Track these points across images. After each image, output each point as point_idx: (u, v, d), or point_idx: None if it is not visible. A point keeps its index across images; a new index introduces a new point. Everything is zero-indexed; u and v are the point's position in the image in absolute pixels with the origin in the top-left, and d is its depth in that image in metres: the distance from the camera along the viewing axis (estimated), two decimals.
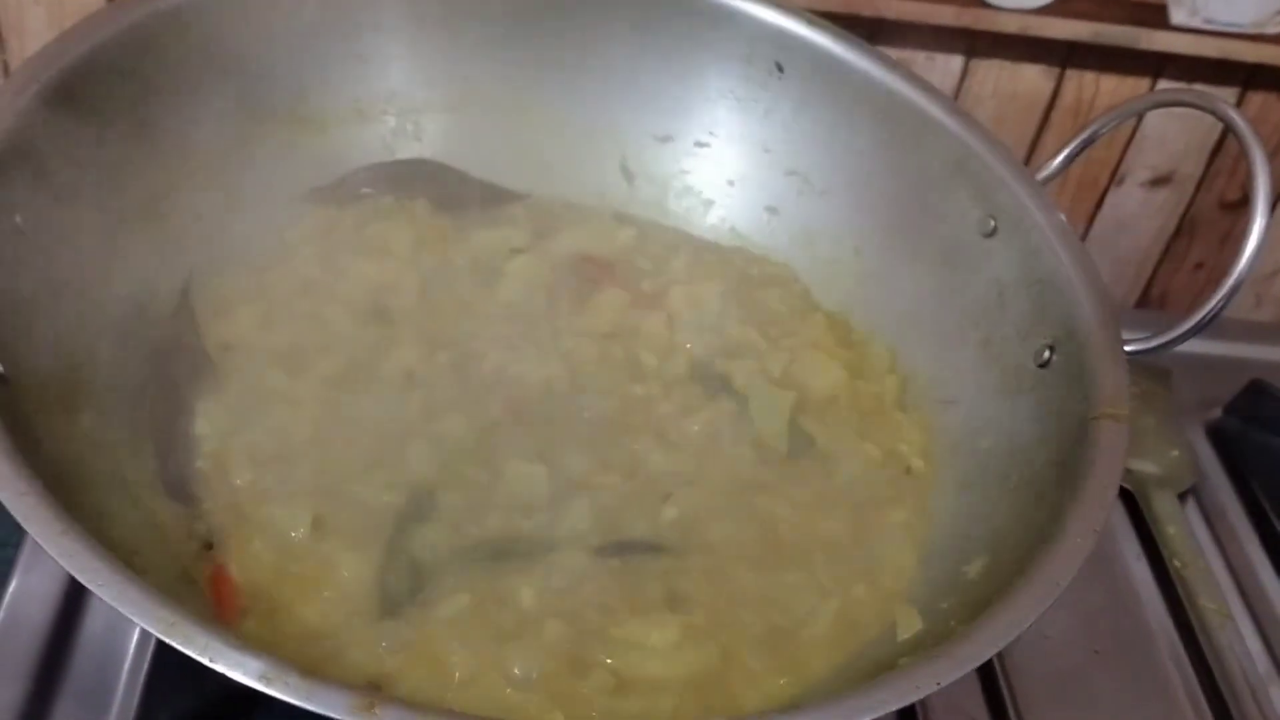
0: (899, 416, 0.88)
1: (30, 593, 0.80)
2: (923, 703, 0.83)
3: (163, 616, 0.53)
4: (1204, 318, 0.77)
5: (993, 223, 0.87)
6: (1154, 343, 0.78)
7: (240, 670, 0.52)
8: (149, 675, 0.76)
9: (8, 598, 0.80)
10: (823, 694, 0.63)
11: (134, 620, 0.53)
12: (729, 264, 0.98)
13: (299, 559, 0.71)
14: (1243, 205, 1.27)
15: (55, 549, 0.54)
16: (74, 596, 0.80)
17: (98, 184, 0.79)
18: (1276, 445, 1.08)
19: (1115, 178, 1.25)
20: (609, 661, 0.69)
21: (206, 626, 0.53)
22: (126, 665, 0.77)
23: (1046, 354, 0.81)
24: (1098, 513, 0.67)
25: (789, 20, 0.94)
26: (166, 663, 0.76)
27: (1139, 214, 1.28)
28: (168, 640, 0.53)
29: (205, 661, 0.52)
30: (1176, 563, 0.97)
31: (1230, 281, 0.76)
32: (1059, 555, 0.65)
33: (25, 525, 0.55)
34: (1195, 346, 0.82)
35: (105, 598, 0.53)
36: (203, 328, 0.83)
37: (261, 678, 0.52)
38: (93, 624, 0.79)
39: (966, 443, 0.84)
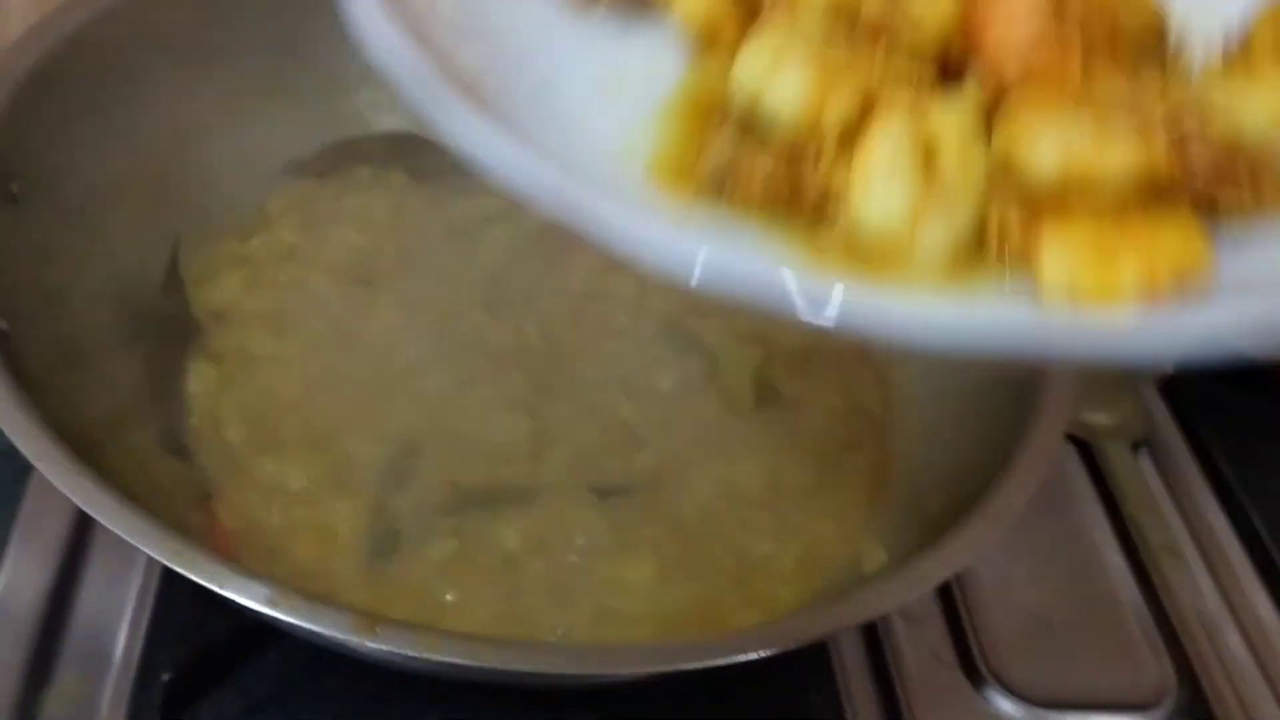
0: (861, 368, 0.91)
1: (28, 559, 0.82)
2: (891, 642, 0.87)
3: (171, 546, 0.56)
4: None
5: None
6: None
7: (247, 594, 0.55)
8: (149, 626, 0.79)
9: (5, 564, 0.82)
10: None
11: (145, 550, 0.56)
12: None
13: (292, 508, 0.75)
14: None
15: (67, 486, 0.58)
16: (71, 561, 0.82)
17: (87, 155, 0.82)
18: (1228, 396, 1.11)
19: None
20: (590, 597, 0.73)
21: (214, 556, 0.56)
22: (126, 618, 0.79)
23: None
24: (1049, 441, 0.71)
25: None
26: (165, 614, 0.79)
27: None
28: (176, 568, 0.56)
29: (214, 587, 0.56)
30: (1129, 508, 1.01)
31: None
32: (1012, 483, 0.69)
33: (36, 464, 0.58)
34: None
35: (120, 531, 0.57)
36: (191, 294, 0.86)
37: (268, 601, 0.55)
38: (91, 588, 0.81)
39: (926, 387, 0.87)
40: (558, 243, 0.97)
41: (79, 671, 0.78)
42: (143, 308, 0.83)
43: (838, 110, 0.42)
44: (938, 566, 0.64)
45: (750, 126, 0.45)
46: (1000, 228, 0.41)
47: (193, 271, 0.88)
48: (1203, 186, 0.38)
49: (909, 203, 0.40)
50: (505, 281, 0.93)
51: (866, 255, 0.42)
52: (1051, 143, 0.39)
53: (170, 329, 0.83)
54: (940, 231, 0.40)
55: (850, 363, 0.92)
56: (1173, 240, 0.38)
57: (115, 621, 0.80)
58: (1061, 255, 0.39)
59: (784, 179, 0.43)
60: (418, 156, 0.99)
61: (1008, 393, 0.79)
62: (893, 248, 0.41)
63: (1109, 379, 1.11)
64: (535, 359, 0.87)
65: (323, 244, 0.91)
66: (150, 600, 0.80)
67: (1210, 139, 0.39)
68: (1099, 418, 1.08)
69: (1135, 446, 1.08)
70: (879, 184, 0.41)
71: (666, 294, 0.94)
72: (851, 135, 0.42)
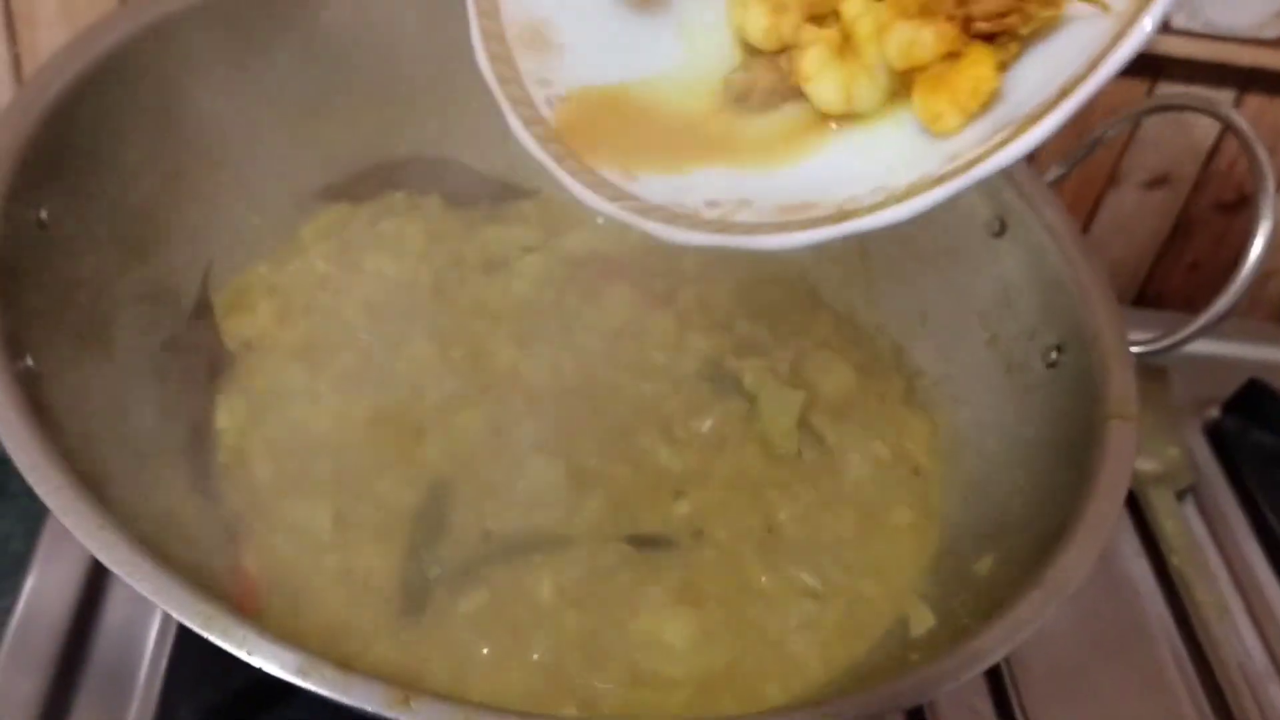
0: (906, 415, 0.89)
1: (49, 586, 0.80)
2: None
3: (201, 610, 0.54)
4: (1210, 319, 0.78)
5: (1001, 223, 0.88)
6: (1161, 344, 0.80)
7: (277, 664, 0.53)
8: (169, 668, 0.77)
9: (26, 591, 0.80)
10: (840, 689, 0.64)
11: (172, 614, 0.54)
12: (737, 262, 0.99)
13: (321, 554, 0.73)
14: (1238, 206, 1.29)
15: (94, 543, 0.55)
16: (94, 589, 0.81)
17: (117, 180, 0.80)
18: (1274, 444, 1.09)
19: (1113, 179, 1.26)
20: (625, 656, 0.70)
21: (243, 620, 0.54)
22: (146, 658, 0.78)
23: (1054, 354, 0.82)
24: (1108, 512, 0.68)
25: None
26: (187, 656, 0.77)
27: (1136, 215, 1.29)
28: (206, 634, 0.54)
29: (243, 655, 0.53)
30: (1175, 559, 0.99)
31: (1236, 284, 0.77)
32: (1071, 554, 0.66)
33: (62, 519, 0.56)
34: (1194, 347, 0.83)
35: (144, 592, 0.54)
36: (221, 323, 0.84)
37: (298, 671, 0.53)
38: (113, 617, 0.80)
39: (974, 442, 0.85)
40: (594, 274, 0.95)
41: (98, 710, 0.76)
42: (173, 338, 0.81)
43: (786, 29, 0.61)
44: (994, 643, 0.62)
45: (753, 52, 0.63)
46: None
47: (224, 300, 0.86)
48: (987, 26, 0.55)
49: (840, 83, 0.59)
50: (540, 314, 0.91)
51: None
52: (897, 34, 0.56)
53: (200, 360, 0.81)
54: (868, 92, 0.59)
55: (894, 408, 0.90)
56: (973, 73, 0.55)
57: (136, 659, 0.79)
58: (921, 100, 0.57)
59: (777, 82, 0.62)
60: (453, 181, 0.97)
61: (1065, 449, 0.77)
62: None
63: (1154, 424, 1.08)
64: (570, 398, 0.85)
65: (355, 273, 0.89)
66: (170, 639, 0.79)
67: None
68: (1145, 464, 1.05)
69: (1180, 494, 1.06)
70: (817, 77, 0.60)
71: (706, 332, 0.91)
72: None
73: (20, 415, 0.60)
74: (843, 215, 0.56)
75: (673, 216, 0.60)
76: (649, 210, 0.61)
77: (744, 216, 0.60)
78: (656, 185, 0.63)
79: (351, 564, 0.72)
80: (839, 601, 0.76)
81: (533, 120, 0.64)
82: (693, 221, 0.60)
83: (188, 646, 0.77)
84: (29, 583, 0.81)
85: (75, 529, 0.56)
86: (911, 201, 0.54)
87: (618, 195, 0.62)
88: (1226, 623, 0.94)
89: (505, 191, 0.99)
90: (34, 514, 0.86)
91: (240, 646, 0.54)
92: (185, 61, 0.84)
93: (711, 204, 0.61)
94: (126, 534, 0.56)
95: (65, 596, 0.80)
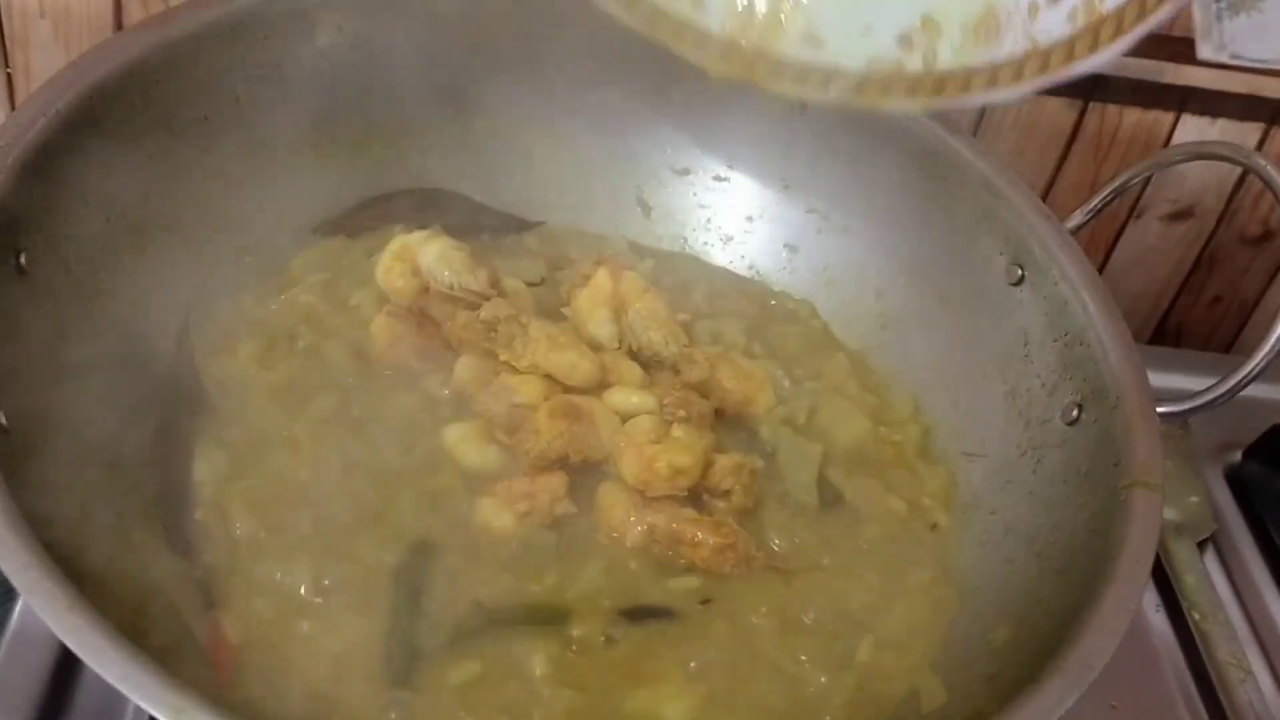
0: (922, 467, 0.86)
1: (35, 624, 0.77)
2: None
3: (171, 702, 0.51)
4: (1242, 380, 0.75)
5: (1020, 271, 0.85)
6: (1187, 405, 0.77)
7: None
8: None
9: (11, 625, 0.77)
10: None
11: (141, 705, 0.51)
12: (748, 297, 0.96)
13: (301, 618, 0.70)
14: (1264, 240, 1.26)
15: (60, 626, 0.53)
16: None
17: (101, 217, 0.77)
18: None
19: (1135, 211, 1.23)
20: None
21: (214, 712, 0.51)
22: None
23: (1075, 412, 0.79)
24: (1133, 591, 0.65)
25: None
26: None
27: (1157, 247, 1.26)
28: None
29: None
30: (1195, 615, 0.95)
31: (1270, 344, 0.74)
32: (1093, 636, 0.63)
33: (29, 600, 0.53)
34: None
35: (112, 680, 0.52)
36: (200, 365, 0.81)
37: None
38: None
39: (991, 499, 0.82)
40: None
41: None
42: (152, 386, 0.77)
43: None
44: None
45: None
46: None
47: (205, 339, 0.82)
48: None
49: None
50: None
51: None
52: None
53: (178, 405, 0.78)
54: None
55: (911, 460, 0.86)
56: None
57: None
58: None
59: None
60: (454, 214, 0.94)
61: (1086, 514, 0.74)
62: None
63: (1174, 471, 1.05)
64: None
65: (342, 310, 0.86)
66: None
67: None
68: (1166, 514, 1.01)
69: (1201, 543, 1.03)
70: None
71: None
72: None
73: None
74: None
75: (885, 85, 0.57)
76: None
77: (945, 53, 0.56)
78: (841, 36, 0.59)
79: (333, 632, 0.69)
80: (851, 674, 0.72)
81: None
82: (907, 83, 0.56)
83: None
84: (11, 627, 0.77)
85: (43, 611, 0.53)
86: None
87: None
88: (1249, 684, 0.91)
89: (508, 224, 0.97)
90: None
91: None
92: (177, 94, 0.81)
93: (904, 41, 0.57)
94: (95, 615, 0.53)
95: (51, 639, 0.77)
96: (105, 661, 0.52)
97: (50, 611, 0.53)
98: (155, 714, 0.51)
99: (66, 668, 0.76)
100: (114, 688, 0.68)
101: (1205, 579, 0.98)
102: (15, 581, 0.54)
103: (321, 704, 0.65)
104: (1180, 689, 0.93)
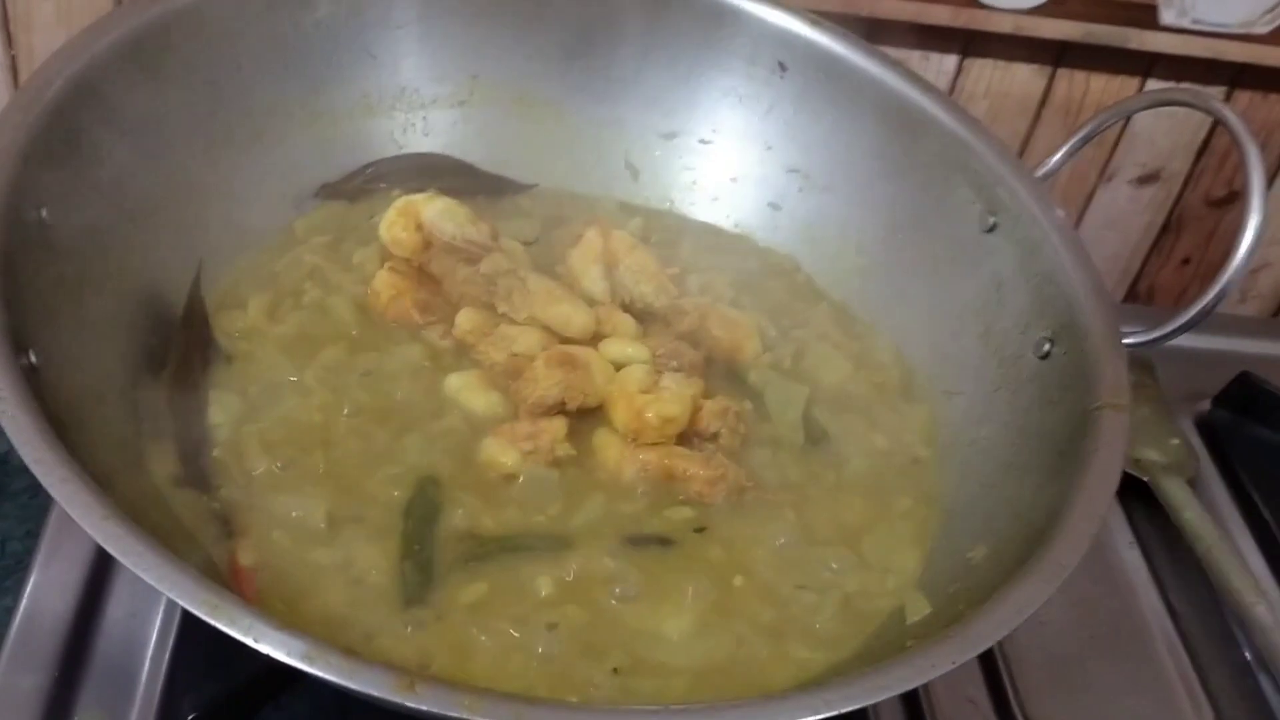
0: (903, 406, 0.90)
1: (51, 584, 0.81)
2: (926, 688, 0.85)
3: (206, 599, 0.55)
4: (1201, 311, 0.79)
5: (992, 219, 0.89)
6: (1152, 335, 0.81)
7: (284, 650, 0.54)
8: (171, 663, 0.77)
9: (28, 590, 0.80)
10: (838, 675, 0.65)
11: (180, 602, 0.55)
12: (734, 252, 1.00)
13: (318, 548, 0.73)
14: (1229, 202, 1.30)
15: (100, 534, 0.56)
16: (95, 588, 0.81)
17: (115, 178, 0.80)
18: (1266, 437, 1.10)
19: (1105, 175, 1.27)
20: (624, 645, 0.71)
21: (249, 608, 0.55)
22: (148, 654, 0.78)
23: (1047, 346, 0.83)
24: (1102, 497, 0.69)
25: (793, 20, 0.96)
26: (189, 651, 0.77)
27: (1127, 210, 1.30)
28: (212, 622, 0.54)
29: (249, 642, 0.54)
30: (1201, 546, 0.97)
31: (1226, 276, 0.78)
32: (1065, 539, 0.67)
33: (69, 510, 0.57)
34: (1182, 341, 0.84)
35: (151, 581, 0.55)
36: (213, 319, 0.85)
37: (304, 657, 0.54)
38: (114, 614, 0.80)
39: (969, 431, 0.86)
40: None
41: (101, 705, 0.76)
42: (167, 334, 0.81)
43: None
44: (990, 628, 0.62)
45: None
46: None
47: (215, 296, 0.86)
48: None
49: None
50: None
51: None
52: None
53: (193, 356, 0.81)
54: None
55: (892, 400, 0.90)
56: None
57: (138, 655, 0.78)
58: None
59: None
60: (449, 177, 0.98)
61: (1058, 438, 0.77)
62: None
63: (1151, 416, 1.08)
64: None
65: (346, 267, 0.90)
66: (172, 635, 0.79)
67: None
68: (1151, 454, 1.05)
69: (1190, 483, 1.06)
70: None
71: None
72: None
73: (25, 410, 0.60)
74: None
75: None
76: None
77: None
78: None
79: (349, 558, 0.72)
80: (838, 593, 0.76)
81: None
82: None
83: (189, 642, 0.78)
84: (31, 581, 0.81)
85: (83, 521, 0.56)
86: None
87: None
88: (1262, 606, 0.92)
89: (501, 186, 1.00)
90: (33, 514, 0.86)
91: (247, 634, 0.54)
92: (181, 62, 0.85)
93: None
94: (133, 525, 0.57)
95: (67, 595, 0.80)
96: (145, 564, 0.55)
97: (90, 520, 0.56)
98: (194, 611, 0.54)
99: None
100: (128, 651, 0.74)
101: (1203, 511, 0.99)
102: (55, 494, 0.57)
103: (337, 624, 0.69)
104: (1155, 621, 0.96)
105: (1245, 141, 0.79)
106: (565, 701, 0.66)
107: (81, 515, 0.56)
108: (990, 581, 0.68)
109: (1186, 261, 1.35)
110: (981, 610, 0.63)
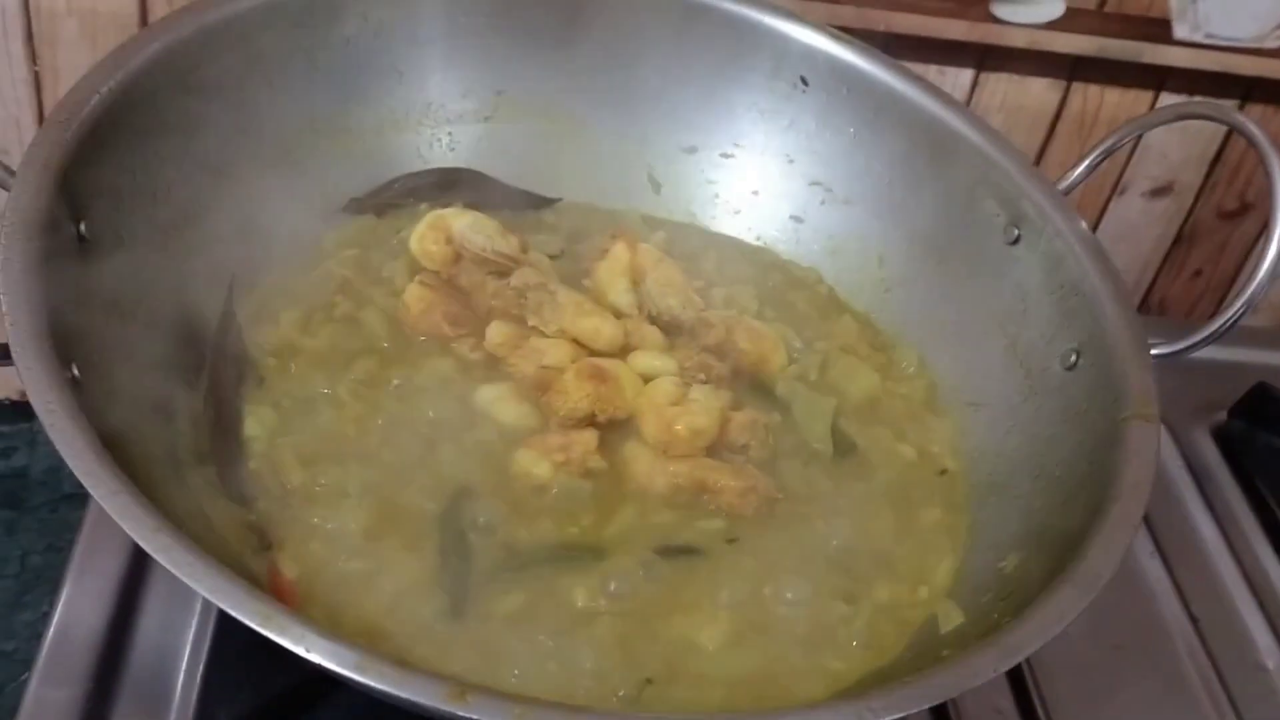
0: (930, 418, 0.91)
1: (84, 596, 0.81)
2: (954, 699, 0.85)
3: (259, 609, 0.55)
4: (1227, 322, 0.80)
5: (1016, 231, 0.90)
6: (1177, 346, 0.81)
7: (335, 660, 0.54)
8: (205, 675, 0.78)
9: (61, 602, 0.80)
10: (877, 684, 0.65)
11: (231, 612, 0.55)
12: (757, 265, 1.01)
13: (355, 560, 0.73)
14: (1241, 214, 1.31)
15: (152, 546, 0.56)
16: (128, 599, 0.81)
17: (150, 193, 0.81)
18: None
19: (1118, 188, 1.28)
20: (661, 655, 0.72)
21: (300, 618, 0.55)
22: (183, 666, 0.79)
23: (1073, 358, 0.83)
24: (1136, 507, 0.70)
25: (815, 36, 0.97)
26: (223, 662, 0.78)
27: (1140, 223, 1.31)
28: (264, 632, 0.55)
29: (301, 651, 0.54)
30: None
31: (1252, 287, 0.79)
32: (1101, 548, 0.67)
33: (122, 523, 0.57)
34: (1199, 352, 0.84)
35: (203, 591, 0.55)
36: (246, 333, 0.85)
37: (357, 667, 0.54)
38: (148, 625, 0.81)
39: (996, 443, 0.86)
40: None
41: (136, 718, 0.77)
42: (201, 349, 0.82)
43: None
44: (1027, 637, 0.63)
45: None
46: None
47: (248, 309, 0.87)
48: None
49: None
50: None
51: None
52: None
53: (227, 370, 0.82)
54: None
55: (918, 411, 0.91)
56: None
57: (172, 667, 0.79)
58: None
59: None
60: (473, 191, 0.99)
61: (1086, 448, 0.78)
62: None
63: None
64: None
65: (375, 281, 0.90)
66: (206, 647, 0.79)
67: None
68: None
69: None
70: None
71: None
72: None
73: (73, 423, 0.60)
74: None
75: None
76: None
77: None
78: None
79: (387, 569, 0.73)
80: (871, 604, 0.77)
81: None
82: None
83: (224, 654, 0.78)
84: (64, 594, 0.81)
85: (135, 533, 0.57)
86: None
87: None
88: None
89: (526, 200, 1.01)
90: (52, 528, 0.86)
91: (299, 643, 0.54)
92: (211, 79, 0.85)
93: None
94: (181, 535, 0.57)
95: (100, 608, 0.81)
96: (197, 575, 0.56)
97: (140, 532, 0.57)
98: (246, 621, 0.55)
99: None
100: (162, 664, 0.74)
101: None
102: (106, 505, 0.57)
103: (377, 635, 0.69)
104: (1178, 630, 0.97)
105: (1269, 154, 0.79)
106: (614, 711, 0.66)
107: (134, 528, 0.57)
108: (1024, 591, 0.69)
109: (1198, 274, 1.36)
110: (1020, 619, 0.64)
